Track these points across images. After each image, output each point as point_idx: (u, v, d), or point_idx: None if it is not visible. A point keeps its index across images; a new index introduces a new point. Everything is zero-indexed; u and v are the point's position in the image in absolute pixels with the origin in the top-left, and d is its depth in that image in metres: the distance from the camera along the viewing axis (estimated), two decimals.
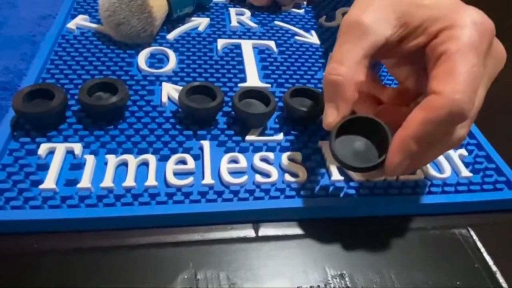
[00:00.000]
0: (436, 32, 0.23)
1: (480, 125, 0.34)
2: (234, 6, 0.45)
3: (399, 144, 0.22)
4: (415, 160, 0.22)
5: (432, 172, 0.30)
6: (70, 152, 0.27)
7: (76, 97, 0.30)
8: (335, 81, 0.23)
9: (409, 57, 0.25)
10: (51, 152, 0.27)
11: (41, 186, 0.25)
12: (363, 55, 0.23)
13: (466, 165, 0.31)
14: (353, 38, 0.23)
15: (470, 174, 0.30)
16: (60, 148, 0.27)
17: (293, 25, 0.43)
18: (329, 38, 0.42)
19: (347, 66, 0.23)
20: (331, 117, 0.23)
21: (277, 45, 0.40)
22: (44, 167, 0.26)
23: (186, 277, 0.22)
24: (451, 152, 0.31)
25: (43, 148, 0.27)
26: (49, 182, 0.25)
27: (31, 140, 0.27)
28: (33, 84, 0.29)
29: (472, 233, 0.27)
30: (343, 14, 0.47)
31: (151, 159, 0.27)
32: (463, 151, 0.32)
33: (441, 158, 0.31)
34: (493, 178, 0.30)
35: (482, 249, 0.26)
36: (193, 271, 0.23)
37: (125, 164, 0.27)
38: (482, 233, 0.27)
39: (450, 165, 0.31)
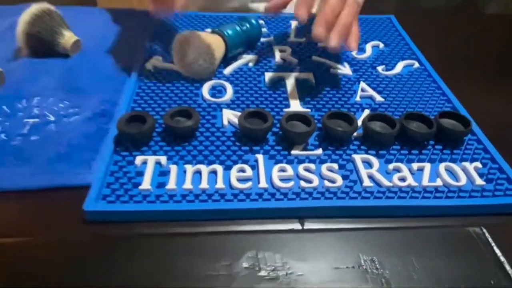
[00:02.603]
0: None
1: (494, 140, 0.39)
2: (277, 44, 0.53)
3: (319, 20, 0.39)
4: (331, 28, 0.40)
5: (450, 180, 0.35)
6: (158, 162, 0.36)
7: (159, 121, 0.39)
8: None
9: None
10: (144, 163, 0.35)
11: (140, 187, 0.33)
12: None
13: (481, 175, 0.36)
14: None
15: (484, 183, 0.35)
16: (151, 160, 0.35)
17: (329, 58, 0.51)
18: (360, 68, 0.50)
19: None
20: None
21: (315, 76, 0.48)
22: (140, 174, 0.34)
23: (250, 255, 0.29)
24: (467, 164, 0.37)
25: (139, 160, 0.35)
26: (146, 184, 0.33)
27: (129, 153, 0.36)
28: (131, 111, 0.38)
29: (485, 231, 0.33)
30: (373, 47, 0.54)
31: (219, 168, 0.35)
32: (478, 164, 0.37)
33: (457, 169, 0.36)
34: (504, 186, 0.35)
35: (493, 244, 0.32)
36: (255, 252, 0.30)
37: (199, 172, 0.35)
38: (493, 231, 0.32)
39: (466, 175, 0.36)
